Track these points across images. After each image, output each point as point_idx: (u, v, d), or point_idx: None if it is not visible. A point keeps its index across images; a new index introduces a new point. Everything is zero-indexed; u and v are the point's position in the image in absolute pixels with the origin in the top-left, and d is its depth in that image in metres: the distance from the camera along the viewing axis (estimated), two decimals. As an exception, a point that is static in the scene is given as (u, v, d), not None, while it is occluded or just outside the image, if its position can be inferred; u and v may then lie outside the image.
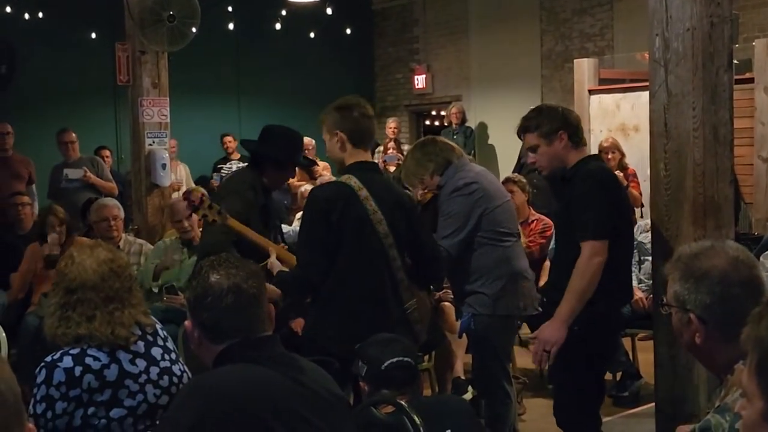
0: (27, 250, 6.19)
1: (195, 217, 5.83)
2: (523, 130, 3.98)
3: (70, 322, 2.80)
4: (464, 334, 4.63)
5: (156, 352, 2.91)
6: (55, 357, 2.76)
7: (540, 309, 4.45)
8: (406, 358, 3.16)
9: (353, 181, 3.67)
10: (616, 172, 7.08)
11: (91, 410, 2.73)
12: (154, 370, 2.86)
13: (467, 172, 4.37)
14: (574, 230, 3.79)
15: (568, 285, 3.70)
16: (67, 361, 2.74)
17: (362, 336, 3.38)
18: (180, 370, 2.96)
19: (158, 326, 3.00)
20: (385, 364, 3.14)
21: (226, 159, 10.86)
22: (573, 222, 3.81)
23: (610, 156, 7.40)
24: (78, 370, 2.73)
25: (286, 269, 3.89)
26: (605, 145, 7.51)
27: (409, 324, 3.76)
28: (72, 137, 8.44)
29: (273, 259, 3.98)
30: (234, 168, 10.01)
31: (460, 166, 4.39)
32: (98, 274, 2.85)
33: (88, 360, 2.75)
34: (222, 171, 10.63)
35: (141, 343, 2.88)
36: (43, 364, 2.75)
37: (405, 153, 10.99)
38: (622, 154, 7.56)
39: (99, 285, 2.84)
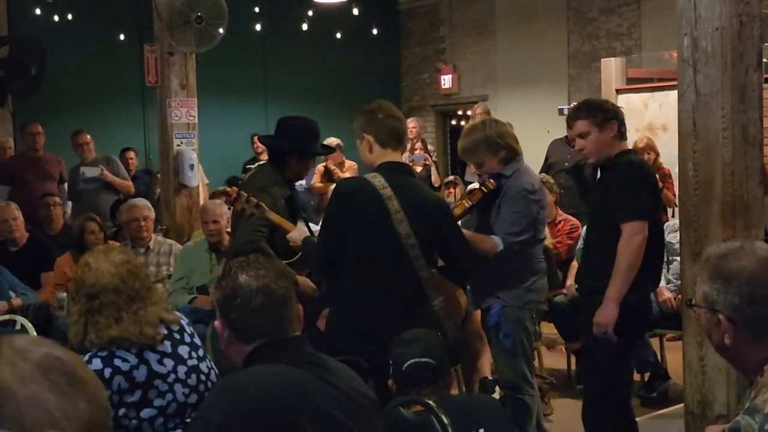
0: (57, 264, 6.23)
1: (223, 221, 5.89)
2: (573, 118, 4.22)
3: (100, 325, 2.82)
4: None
5: (183, 350, 2.93)
6: (84, 359, 2.78)
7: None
8: (424, 359, 3.15)
9: (378, 179, 3.69)
10: None
11: (121, 411, 2.75)
12: (181, 369, 2.89)
13: (533, 177, 4.47)
14: (610, 215, 3.95)
15: (614, 267, 3.88)
16: (97, 364, 2.76)
17: (374, 333, 3.48)
18: (207, 367, 2.98)
19: (184, 322, 3.03)
20: (405, 365, 3.15)
21: (255, 159, 10.89)
22: (610, 206, 3.97)
23: (645, 157, 7.35)
24: (108, 372, 2.75)
25: (311, 237, 4.01)
26: (640, 145, 7.46)
27: (438, 320, 3.81)
28: (86, 138, 8.49)
29: (293, 233, 4.04)
30: (261, 168, 10.01)
31: (522, 162, 4.45)
32: (117, 276, 2.87)
33: (117, 362, 2.78)
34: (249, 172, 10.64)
35: (167, 343, 2.90)
36: None
37: (431, 153, 11.01)
38: (657, 154, 7.49)
39: (120, 287, 2.86)
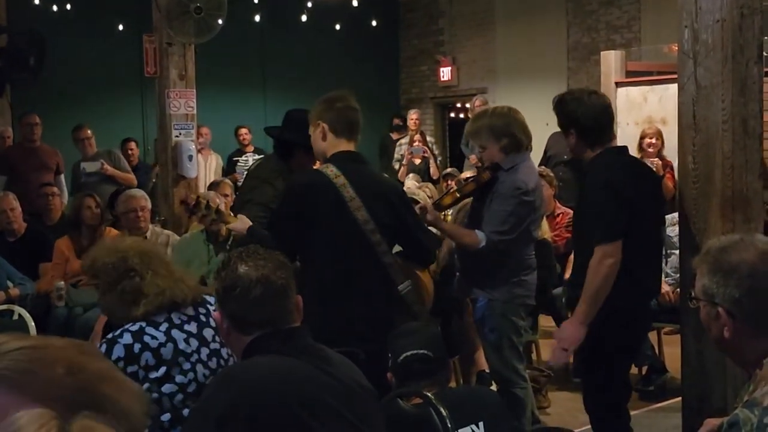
0: (55, 245, 6.26)
1: (225, 205, 5.88)
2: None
3: (152, 293, 2.93)
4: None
5: (207, 333, 3.00)
6: (115, 334, 2.87)
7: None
8: (422, 351, 3.14)
9: (330, 169, 3.71)
10: (654, 160, 7.05)
11: (145, 386, 2.81)
12: (204, 351, 2.95)
13: (530, 176, 4.38)
14: (587, 227, 3.86)
15: (584, 286, 3.77)
16: (127, 338, 2.83)
17: (343, 323, 3.54)
18: (228, 353, 3.02)
19: (211, 307, 3.06)
20: (402, 357, 3.14)
21: (241, 152, 10.85)
22: (586, 220, 3.88)
23: (654, 141, 7.35)
24: (137, 347, 2.82)
25: (255, 227, 3.97)
26: (648, 131, 7.47)
27: (406, 305, 3.82)
28: (87, 133, 8.47)
29: (235, 224, 4.03)
30: (250, 161, 10.03)
31: (525, 158, 4.40)
32: (145, 247, 3.08)
33: (146, 338, 2.85)
34: (238, 164, 10.64)
35: (194, 324, 2.98)
36: (104, 340, 2.87)
37: (430, 145, 11.01)
38: (663, 144, 7.47)
39: (156, 255, 3.07)
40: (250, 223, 4.00)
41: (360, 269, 3.70)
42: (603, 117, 3.97)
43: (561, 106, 4.07)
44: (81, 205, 6.28)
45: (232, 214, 4.23)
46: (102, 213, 6.37)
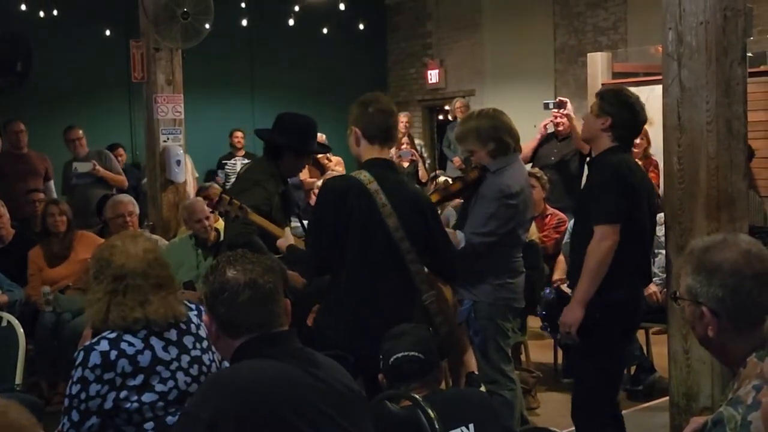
0: (28, 257, 6.24)
1: (212, 218, 5.90)
2: (598, 94, 4.19)
3: (124, 307, 2.87)
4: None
5: (188, 340, 2.97)
6: (93, 341, 2.84)
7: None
8: (413, 353, 3.14)
9: (363, 175, 3.70)
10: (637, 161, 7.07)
11: (123, 394, 2.79)
12: (185, 359, 2.92)
13: (517, 179, 4.40)
14: (589, 214, 3.94)
15: (582, 268, 3.87)
16: (104, 345, 2.81)
17: (365, 328, 3.51)
18: (210, 359, 3.01)
19: (192, 314, 3.06)
20: (392, 359, 3.14)
21: (231, 155, 10.87)
22: (588, 207, 3.96)
23: (638, 141, 7.38)
24: (113, 354, 2.80)
25: (295, 245, 3.98)
26: None
27: (429, 315, 3.82)
28: (79, 134, 8.45)
29: (280, 241, 4.03)
30: (239, 165, 10.05)
31: (513, 161, 4.42)
32: (145, 261, 2.94)
33: (123, 345, 2.82)
34: (226, 167, 10.65)
35: (174, 331, 2.95)
36: (81, 348, 2.84)
37: (419, 148, 11.01)
38: (648, 143, 7.49)
39: (148, 271, 2.94)
40: (292, 241, 4.00)
41: (387, 275, 3.69)
42: (637, 122, 4.14)
43: (618, 96, 4.11)
44: (45, 213, 6.25)
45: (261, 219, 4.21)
46: (69, 220, 6.30)
